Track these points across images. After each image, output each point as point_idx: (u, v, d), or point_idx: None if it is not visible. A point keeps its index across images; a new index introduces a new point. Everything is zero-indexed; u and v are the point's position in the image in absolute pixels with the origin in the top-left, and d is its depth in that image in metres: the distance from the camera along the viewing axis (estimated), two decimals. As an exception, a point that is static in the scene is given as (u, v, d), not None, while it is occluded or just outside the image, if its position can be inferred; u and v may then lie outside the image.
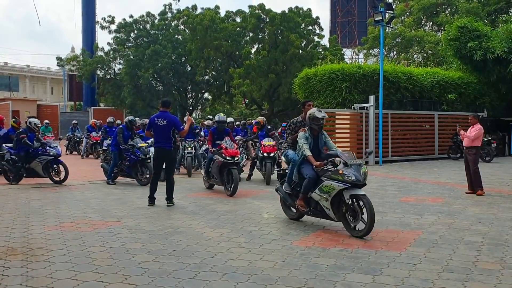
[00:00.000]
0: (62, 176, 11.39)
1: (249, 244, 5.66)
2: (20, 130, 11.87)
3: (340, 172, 6.05)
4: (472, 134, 9.71)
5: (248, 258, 5.08)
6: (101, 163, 12.46)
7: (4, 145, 12.43)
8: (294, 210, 7.10)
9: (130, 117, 12.25)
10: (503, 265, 4.85)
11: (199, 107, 47.88)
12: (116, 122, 19.38)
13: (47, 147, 11.44)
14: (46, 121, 20.35)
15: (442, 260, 5.00)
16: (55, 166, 11.47)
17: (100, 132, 20.07)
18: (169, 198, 8.53)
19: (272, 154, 11.62)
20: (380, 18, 15.99)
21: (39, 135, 12.51)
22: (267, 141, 11.85)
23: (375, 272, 4.62)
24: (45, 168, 11.34)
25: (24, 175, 11.55)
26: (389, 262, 4.94)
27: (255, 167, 12.45)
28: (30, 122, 11.83)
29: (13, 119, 15.22)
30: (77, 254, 5.25)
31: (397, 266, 4.81)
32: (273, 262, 4.94)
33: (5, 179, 11.82)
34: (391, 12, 16.91)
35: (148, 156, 11.45)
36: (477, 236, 6.04)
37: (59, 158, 11.49)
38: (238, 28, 34.32)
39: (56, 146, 11.79)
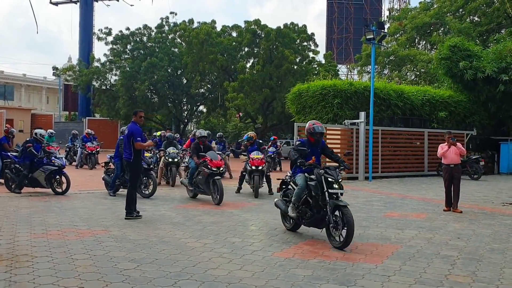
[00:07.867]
0: (64, 187, 11.34)
1: (231, 255, 5.79)
2: (28, 139, 11.89)
3: None
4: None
5: (228, 268, 5.21)
6: (102, 176, 12.30)
7: (9, 153, 12.48)
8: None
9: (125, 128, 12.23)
10: (474, 278, 5.00)
11: (194, 120, 48.17)
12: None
13: (53, 157, 11.40)
14: (51, 130, 20.24)
15: (416, 273, 5.15)
16: (57, 177, 11.40)
17: (95, 143, 20.27)
18: (127, 210, 8.25)
19: (260, 167, 11.73)
20: (372, 36, 16.36)
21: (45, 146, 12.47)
22: (255, 155, 11.94)
23: (349, 283, 4.75)
24: (48, 179, 11.26)
25: (26, 181, 11.40)
26: (364, 274, 5.08)
27: (244, 180, 12.52)
28: (36, 133, 11.83)
29: (5, 128, 15.26)
30: (61, 261, 5.36)
31: (371, 278, 4.96)
32: (252, 272, 5.07)
33: (6, 187, 11.81)
34: (383, 31, 17.29)
35: (151, 166, 11.65)
36: (454, 251, 6.19)
37: (62, 169, 11.44)
38: (234, 43, 34.75)
39: (62, 158, 11.83)
